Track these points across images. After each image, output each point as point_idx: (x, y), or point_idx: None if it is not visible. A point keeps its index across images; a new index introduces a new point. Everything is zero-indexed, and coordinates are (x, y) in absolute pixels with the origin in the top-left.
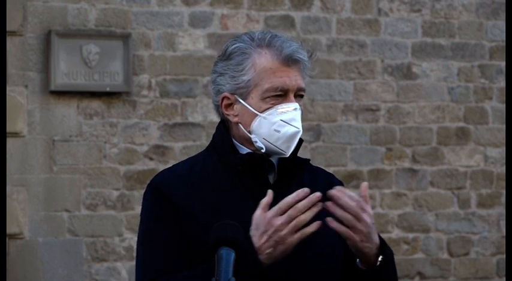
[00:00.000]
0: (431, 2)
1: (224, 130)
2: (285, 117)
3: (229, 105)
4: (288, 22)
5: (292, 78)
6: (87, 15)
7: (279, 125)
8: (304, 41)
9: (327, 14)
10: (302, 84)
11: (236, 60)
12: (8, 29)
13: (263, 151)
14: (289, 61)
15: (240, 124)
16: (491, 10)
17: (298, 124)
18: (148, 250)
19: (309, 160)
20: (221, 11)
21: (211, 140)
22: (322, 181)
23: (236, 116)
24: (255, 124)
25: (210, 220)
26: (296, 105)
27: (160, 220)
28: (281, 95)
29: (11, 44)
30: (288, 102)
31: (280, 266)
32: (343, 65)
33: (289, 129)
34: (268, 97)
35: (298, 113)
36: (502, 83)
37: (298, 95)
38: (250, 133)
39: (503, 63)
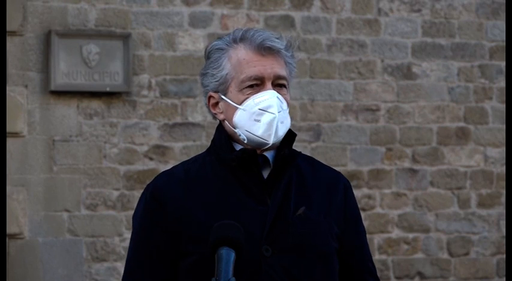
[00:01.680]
0: (431, 2)
1: (222, 130)
2: (261, 105)
3: (216, 104)
4: (288, 22)
5: (268, 67)
6: (87, 15)
7: (257, 115)
8: (304, 41)
9: (327, 14)
10: (280, 72)
11: (214, 58)
12: (8, 29)
13: (245, 142)
14: (262, 50)
15: (225, 121)
16: (491, 10)
17: (274, 110)
18: (132, 260)
19: (309, 156)
20: (221, 11)
21: (211, 141)
22: (325, 179)
23: (221, 113)
24: (236, 118)
25: (207, 219)
26: (273, 92)
27: (148, 231)
28: (258, 85)
29: (11, 44)
30: (265, 90)
31: (280, 266)
32: (343, 65)
33: (267, 117)
34: (245, 88)
35: (275, 100)
36: (502, 83)
37: (279, 85)
38: (234, 128)
39: (503, 63)
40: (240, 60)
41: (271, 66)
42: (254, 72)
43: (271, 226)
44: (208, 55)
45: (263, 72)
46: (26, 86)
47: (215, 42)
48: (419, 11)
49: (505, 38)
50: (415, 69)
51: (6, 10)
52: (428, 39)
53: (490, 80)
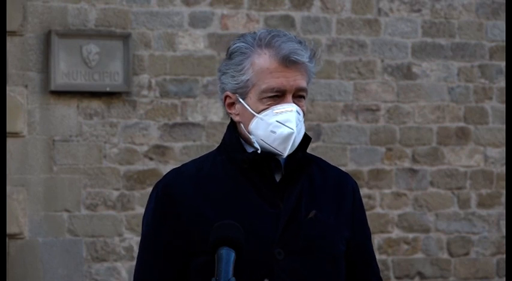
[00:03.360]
0: (431, 2)
1: (233, 129)
2: (280, 118)
3: (232, 105)
4: (288, 22)
5: (290, 79)
6: (87, 15)
7: (274, 126)
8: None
9: (327, 14)
10: (301, 85)
11: (236, 60)
12: (8, 29)
13: (259, 151)
14: (287, 62)
15: (241, 123)
16: (491, 10)
17: (293, 125)
18: (142, 259)
19: (316, 157)
20: (221, 11)
21: (222, 139)
22: (333, 181)
23: (237, 115)
24: (252, 125)
25: (218, 219)
26: (293, 106)
27: (157, 230)
28: (278, 96)
29: (11, 44)
30: (285, 103)
31: (291, 268)
32: (343, 65)
33: (284, 131)
34: (265, 98)
35: (294, 114)
36: (502, 83)
37: (299, 96)
38: (249, 134)
39: (503, 63)
40: (263, 69)
41: (293, 79)
42: (276, 84)
43: (284, 229)
44: (230, 56)
45: (286, 84)
46: (26, 86)
47: (239, 44)
48: (419, 11)
49: (505, 38)
50: (415, 69)
51: (6, 10)
52: (428, 39)
53: (490, 80)
